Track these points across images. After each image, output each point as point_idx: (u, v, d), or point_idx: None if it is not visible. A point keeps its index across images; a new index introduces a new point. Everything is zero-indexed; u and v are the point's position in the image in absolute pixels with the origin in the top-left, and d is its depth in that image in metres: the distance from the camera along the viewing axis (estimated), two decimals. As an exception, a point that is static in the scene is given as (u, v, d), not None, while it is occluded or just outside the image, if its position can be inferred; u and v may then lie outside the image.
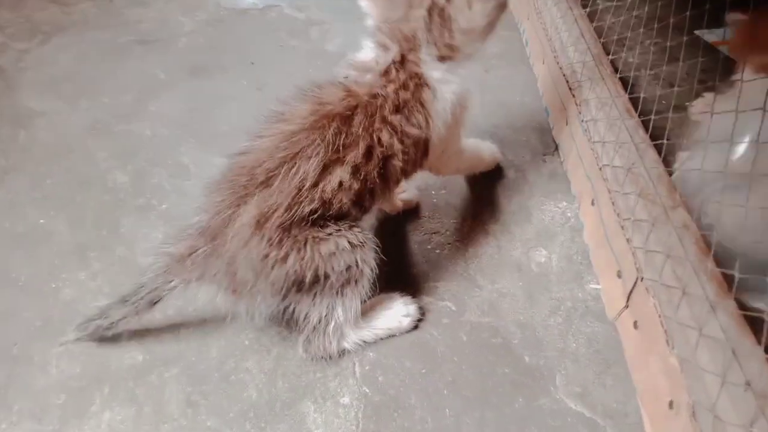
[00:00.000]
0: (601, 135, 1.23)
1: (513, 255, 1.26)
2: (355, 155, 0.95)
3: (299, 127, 0.94)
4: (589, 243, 1.24)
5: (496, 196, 1.40)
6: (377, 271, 1.02)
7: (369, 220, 1.29)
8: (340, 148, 0.94)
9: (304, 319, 1.02)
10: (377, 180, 1.00)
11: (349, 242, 0.97)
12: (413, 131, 1.01)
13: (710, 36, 1.79)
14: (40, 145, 1.54)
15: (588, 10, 1.65)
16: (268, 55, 1.90)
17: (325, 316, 1.01)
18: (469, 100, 1.09)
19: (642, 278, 1.01)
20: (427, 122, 1.02)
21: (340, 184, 0.94)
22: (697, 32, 1.77)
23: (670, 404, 0.89)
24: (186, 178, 1.44)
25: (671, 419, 0.89)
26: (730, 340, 0.85)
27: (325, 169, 0.94)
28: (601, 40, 1.53)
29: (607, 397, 1.02)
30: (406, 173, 1.08)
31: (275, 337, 1.10)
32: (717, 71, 1.21)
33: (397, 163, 1.01)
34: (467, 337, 1.11)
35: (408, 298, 1.13)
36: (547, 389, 1.03)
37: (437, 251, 1.27)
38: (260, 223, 0.92)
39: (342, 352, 1.06)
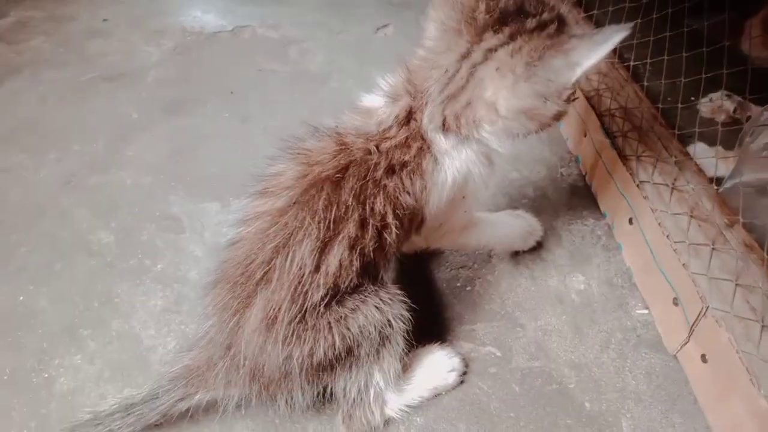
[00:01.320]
0: (633, 148, 1.14)
1: (550, 285, 1.17)
2: (348, 230, 0.82)
3: (286, 203, 0.82)
4: (631, 266, 1.15)
5: (520, 219, 1.31)
6: (411, 323, 0.90)
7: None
8: (332, 223, 0.80)
9: (343, 395, 0.90)
10: (373, 254, 0.86)
11: (376, 307, 0.85)
12: (409, 201, 0.85)
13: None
14: (7, 208, 1.37)
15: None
16: (247, 82, 1.76)
17: (365, 385, 0.90)
18: (474, 185, 0.92)
19: (708, 308, 0.92)
20: (422, 193, 0.87)
21: (340, 264, 0.81)
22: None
23: (763, 450, 0.81)
24: (179, 232, 1.30)
25: (766, 467, 0.81)
26: (829, 378, 0.77)
27: (323, 250, 0.81)
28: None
29: (680, 439, 0.94)
30: (399, 245, 0.93)
31: (308, 410, 0.98)
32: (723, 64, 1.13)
33: (390, 237, 0.85)
34: (520, 388, 1.01)
35: (449, 350, 1.03)
36: (616, 438, 0.94)
37: (468, 288, 1.17)
38: (270, 325, 0.81)
39: (387, 422, 0.95)
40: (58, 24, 2.03)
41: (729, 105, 1.39)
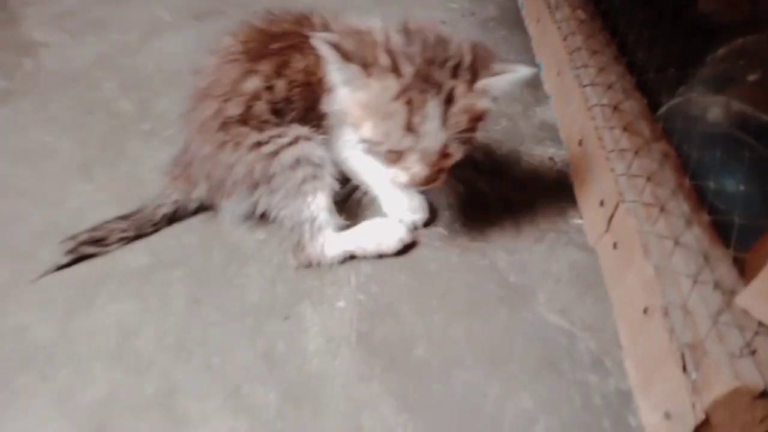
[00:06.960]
0: (591, 78, 1.30)
1: (501, 191, 1.33)
2: (266, 67, 1.04)
3: (236, 40, 1.08)
4: (574, 180, 1.31)
5: (489, 141, 1.47)
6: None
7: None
8: (256, 57, 1.04)
9: (283, 222, 1.09)
10: (283, 100, 1.06)
11: (288, 139, 1.04)
12: (314, 78, 1.05)
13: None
14: (45, 72, 1.57)
15: None
16: (271, 5, 1.94)
17: (299, 215, 1.07)
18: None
19: (623, 201, 1.08)
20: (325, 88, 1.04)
21: (254, 91, 1.03)
22: None
23: (645, 310, 0.96)
24: (190, 109, 1.48)
25: (645, 324, 0.95)
26: (703, 247, 0.92)
27: (246, 74, 1.04)
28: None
29: (586, 314, 1.08)
30: (303, 110, 1.08)
31: (276, 248, 1.15)
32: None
33: (291, 92, 1.06)
34: (457, 258, 1.17)
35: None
36: (530, 304, 1.10)
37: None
38: (203, 127, 1.06)
39: (333, 263, 1.12)
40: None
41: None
